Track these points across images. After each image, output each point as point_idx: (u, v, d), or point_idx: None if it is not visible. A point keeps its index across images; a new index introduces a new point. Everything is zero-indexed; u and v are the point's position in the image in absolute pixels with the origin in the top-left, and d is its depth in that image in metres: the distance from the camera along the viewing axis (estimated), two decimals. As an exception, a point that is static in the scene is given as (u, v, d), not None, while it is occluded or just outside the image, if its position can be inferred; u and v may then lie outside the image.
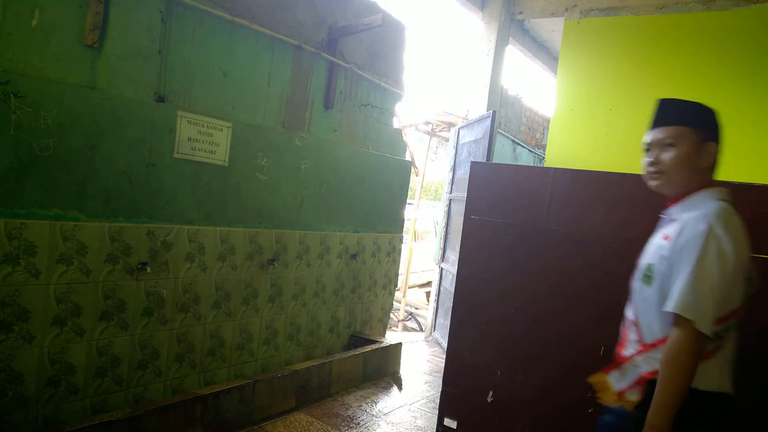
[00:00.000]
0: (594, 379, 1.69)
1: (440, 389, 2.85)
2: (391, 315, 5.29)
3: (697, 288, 1.37)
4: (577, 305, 2.38)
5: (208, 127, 2.97)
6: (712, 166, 1.55)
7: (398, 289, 6.17)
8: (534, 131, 7.72)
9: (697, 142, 1.52)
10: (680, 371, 1.35)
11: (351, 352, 3.95)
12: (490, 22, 5.56)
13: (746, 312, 1.51)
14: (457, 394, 2.72)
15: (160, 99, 2.79)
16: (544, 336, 2.46)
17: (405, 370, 4.50)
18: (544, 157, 6.53)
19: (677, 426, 1.37)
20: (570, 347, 2.39)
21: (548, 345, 2.46)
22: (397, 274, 4.87)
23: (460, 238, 2.83)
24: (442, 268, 5.79)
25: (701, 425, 1.40)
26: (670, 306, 1.39)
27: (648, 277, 1.55)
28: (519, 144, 7.16)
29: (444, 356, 3.34)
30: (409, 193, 5.59)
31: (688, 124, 1.53)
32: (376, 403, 3.71)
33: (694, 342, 1.35)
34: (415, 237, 8.21)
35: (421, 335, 6.13)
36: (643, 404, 1.42)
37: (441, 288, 5.75)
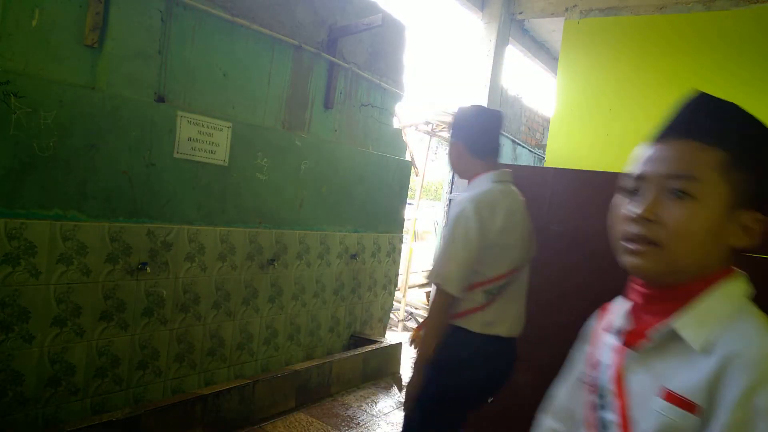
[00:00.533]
0: (413, 335, 2.07)
1: (440, 389, 2.84)
2: (391, 315, 5.29)
3: (443, 261, 1.77)
4: (576, 303, 2.38)
5: (208, 127, 2.97)
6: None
7: (398, 289, 6.16)
8: (534, 131, 7.72)
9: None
10: (434, 318, 1.80)
11: (351, 352, 3.95)
12: (490, 22, 5.56)
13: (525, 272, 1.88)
14: (457, 394, 2.72)
15: (160, 99, 2.79)
16: (545, 334, 2.46)
17: (405, 370, 4.50)
18: (544, 157, 6.53)
19: (458, 355, 1.82)
20: (570, 345, 2.39)
21: (548, 344, 2.46)
22: (397, 274, 4.87)
23: (460, 238, 2.82)
24: (442, 268, 5.78)
25: (475, 355, 1.84)
26: (428, 274, 1.85)
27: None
28: (519, 144, 7.16)
29: (444, 356, 3.34)
30: (409, 193, 5.59)
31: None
32: (376, 403, 3.71)
33: (442, 299, 1.77)
34: (415, 237, 8.21)
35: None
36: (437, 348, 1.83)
37: (441, 288, 5.74)
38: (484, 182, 1.86)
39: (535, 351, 2.48)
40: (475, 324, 1.83)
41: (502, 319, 1.87)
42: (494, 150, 1.93)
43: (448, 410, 1.95)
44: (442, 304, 1.79)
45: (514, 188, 1.92)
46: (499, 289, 1.84)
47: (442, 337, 1.81)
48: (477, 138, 1.91)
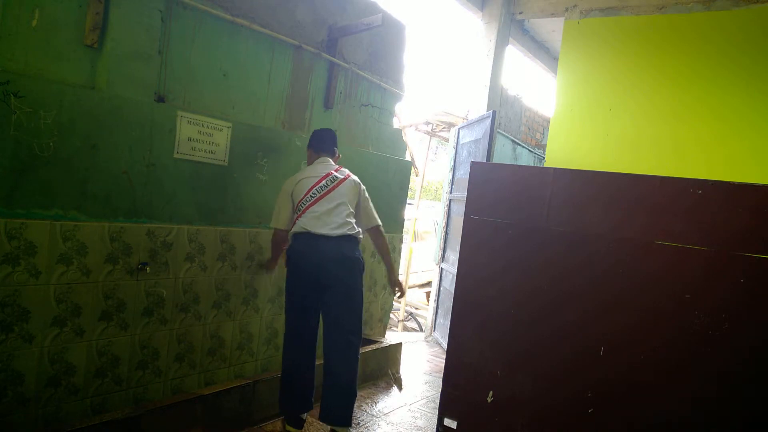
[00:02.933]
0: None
1: (440, 389, 2.85)
2: (391, 315, 5.29)
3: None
4: (577, 304, 2.39)
5: (208, 127, 2.97)
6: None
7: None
8: (534, 131, 7.72)
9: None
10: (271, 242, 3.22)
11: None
12: (490, 22, 5.56)
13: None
14: (457, 394, 2.72)
15: (160, 99, 2.79)
16: (545, 335, 2.46)
17: (405, 370, 4.50)
18: (544, 157, 6.53)
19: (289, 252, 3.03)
20: (570, 346, 2.39)
21: (548, 344, 2.46)
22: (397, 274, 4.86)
23: (460, 238, 2.83)
24: (442, 268, 5.79)
25: (295, 247, 2.99)
26: None
27: None
28: (519, 144, 7.16)
29: (444, 356, 3.34)
30: (409, 193, 5.59)
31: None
32: (376, 403, 3.71)
33: (273, 234, 3.14)
34: (415, 237, 8.21)
35: (421, 335, 6.13)
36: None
37: (441, 288, 5.75)
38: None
39: (533, 351, 2.48)
40: (295, 228, 3.02)
41: (306, 224, 2.95)
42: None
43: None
44: (274, 236, 3.16)
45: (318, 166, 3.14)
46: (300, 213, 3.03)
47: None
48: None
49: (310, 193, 2.96)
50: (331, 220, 2.93)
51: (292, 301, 3.03)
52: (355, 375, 2.99)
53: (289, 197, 3.01)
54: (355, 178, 3.15)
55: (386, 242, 3.28)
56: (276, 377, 3.29)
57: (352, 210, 3.04)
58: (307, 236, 2.91)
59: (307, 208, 2.94)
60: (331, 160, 3.17)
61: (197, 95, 2.99)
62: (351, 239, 2.99)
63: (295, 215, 3.00)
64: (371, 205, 3.19)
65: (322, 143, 3.20)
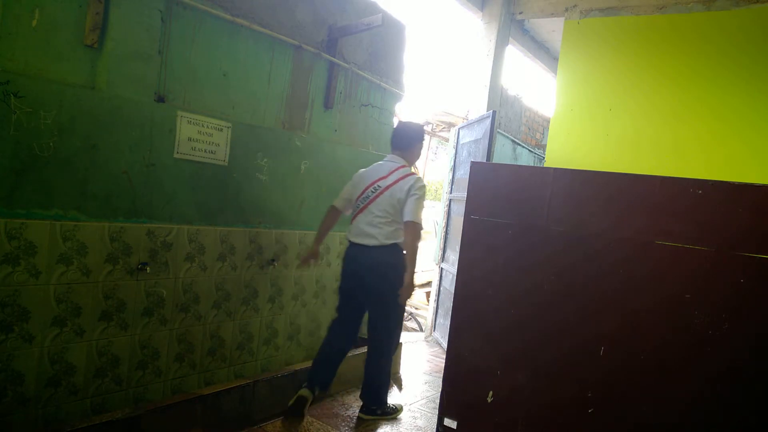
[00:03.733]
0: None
1: (440, 389, 2.85)
2: (391, 315, 5.28)
3: None
4: (577, 303, 2.39)
5: (208, 127, 2.97)
6: None
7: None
8: (534, 131, 7.72)
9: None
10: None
11: (351, 352, 3.95)
12: (490, 22, 5.56)
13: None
14: (457, 394, 2.72)
15: (160, 99, 2.79)
16: (545, 335, 2.46)
17: (405, 370, 4.50)
18: (544, 157, 6.53)
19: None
20: (569, 346, 2.39)
21: (548, 344, 2.46)
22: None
23: (460, 238, 2.83)
24: (442, 268, 5.79)
25: (345, 251, 3.38)
26: None
27: None
28: (519, 144, 7.16)
29: (444, 356, 3.34)
30: (409, 193, 5.57)
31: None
32: (376, 403, 3.70)
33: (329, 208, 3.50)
34: (415, 237, 8.18)
35: (421, 335, 6.13)
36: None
37: (441, 288, 5.75)
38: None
39: (533, 351, 2.48)
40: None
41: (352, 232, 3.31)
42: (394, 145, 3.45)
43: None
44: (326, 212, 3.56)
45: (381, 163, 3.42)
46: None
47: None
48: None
49: (360, 199, 3.28)
50: (368, 231, 3.21)
51: (340, 292, 3.46)
52: (376, 373, 3.37)
53: (351, 187, 3.39)
54: (407, 179, 3.21)
55: (412, 240, 3.17)
56: (276, 377, 3.29)
57: (391, 218, 3.20)
58: (351, 245, 3.31)
59: (355, 216, 3.30)
60: (397, 158, 3.36)
61: (197, 95, 2.99)
62: (386, 248, 3.20)
63: (353, 212, 3.35)
64: (417, 202, 3.18)
65: (393, 138, 3.45)
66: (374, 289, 3.24)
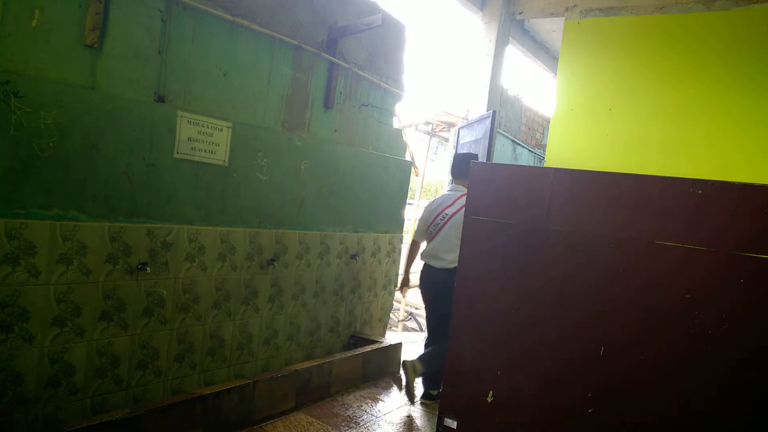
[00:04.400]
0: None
1: (440, 389, 2.86)
2: (391, 315, 5.29)
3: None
4: (577, 304, 2.38)
5: (208, 127, 2.97)
6: None
7: (398, 289, 6.15)
8: (534, 131, 7.72)
9: None
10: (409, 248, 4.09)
11: (351, 352, 3.95)
12: (490, 22, 5.56)
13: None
14: (457, 394, 2.72)
15: (160, 99, 2.79)
16: (545, 335, 2.46)
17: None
18: (544, 157, 6.53)
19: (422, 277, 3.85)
20: (570, 346, 2.39)
21: (548, 344, 2.46)
22: (397, 274, 4.87)
23: (460, 238, 2.83)
24: (442, 268, 5.77)
25: (421, 270, 3.87)
26: None
27: None
28: (519, 144, 7.16)
29: (444, 356, 3.33)
30: (409, 193, 5.59)
31: None
32: (376, 403, 3.71)
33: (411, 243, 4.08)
34: (415, 237, 8.18)
35: (421, 335, 6.13)
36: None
37: (441, 288, 5.73)
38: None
39: (533, 352, 2.48)
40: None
41: (427, 255, 3.83)
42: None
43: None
44: (411, 245, 4.07)
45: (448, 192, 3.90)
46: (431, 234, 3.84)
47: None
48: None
49: (431, 226, 3.80)
50: (438, 256, 3.73)
51: (424, 302, 3.95)
52: (429, 362, 3.70)
53: (423, 222, 3.89)
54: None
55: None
56: (276, 377, 3.29)
57: (456, 242, 3.51)
58: (425, 266, 3.84)
59: (429, 241, 3.85)
60: (459, 186, 3.81)
61: (197, 95, 2.99)
62: (451, 270, 3.59)
63: (428, 237, 3.87)
64: None
65: (452, 168, 3.93)
66: (439, 299, 3.74)
